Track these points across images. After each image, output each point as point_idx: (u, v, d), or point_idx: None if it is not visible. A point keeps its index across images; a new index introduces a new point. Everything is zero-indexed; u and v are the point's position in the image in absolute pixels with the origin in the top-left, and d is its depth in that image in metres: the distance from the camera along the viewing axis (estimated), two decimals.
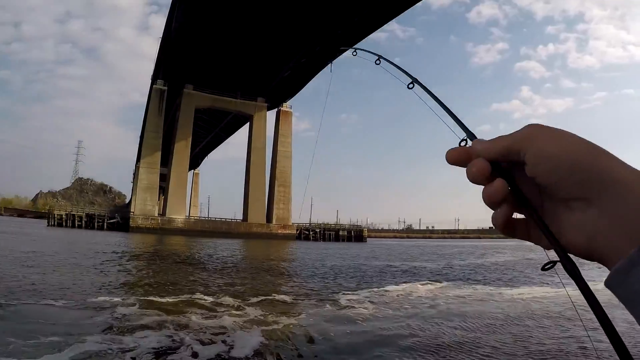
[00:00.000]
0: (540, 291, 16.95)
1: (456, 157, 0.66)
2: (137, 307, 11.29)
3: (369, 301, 14.01)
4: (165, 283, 16.08)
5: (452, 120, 0.68)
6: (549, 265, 0.56)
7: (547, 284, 18.78)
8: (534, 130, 0.59)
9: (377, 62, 1.65)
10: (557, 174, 0.56)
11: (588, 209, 0.54)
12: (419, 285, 18.22)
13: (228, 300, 12.84)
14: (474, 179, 0.64)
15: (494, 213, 0.65)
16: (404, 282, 19.08)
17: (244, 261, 30.14)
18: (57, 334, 8.22)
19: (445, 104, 0.81)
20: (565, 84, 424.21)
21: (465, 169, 0.62)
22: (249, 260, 31.00)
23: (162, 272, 19.75)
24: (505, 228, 0.66)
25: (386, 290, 16.58)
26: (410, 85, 1.19)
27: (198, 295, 13.30)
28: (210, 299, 12.92)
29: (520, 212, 0.67)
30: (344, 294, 15.31)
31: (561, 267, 0.54)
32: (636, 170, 0.52)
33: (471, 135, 0.72)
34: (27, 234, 46.10)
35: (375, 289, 16.77)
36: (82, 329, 8.75)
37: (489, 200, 0.63)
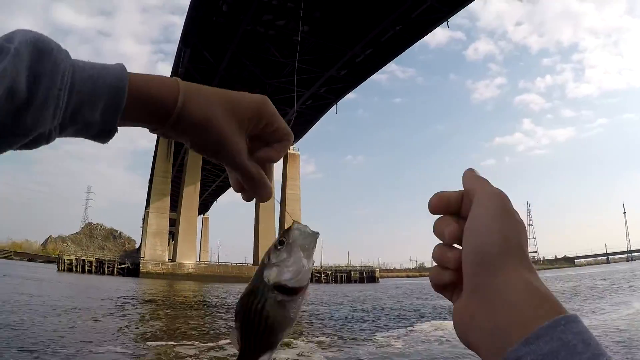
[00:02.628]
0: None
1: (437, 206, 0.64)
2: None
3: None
4: (193, 329, 15.96)
5: None
6: None
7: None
8: (490, 195, 0.58)
9: None
10: (467, 244, 0.56)
11: (474, 293, 0.54)
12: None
13: None
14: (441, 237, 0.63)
15: (437, 269, 0.63)
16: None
17: None
18: None
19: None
20: (565, 114, 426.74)
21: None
22: None
23: (185, 317, 19.56)
24: (440, 287, 0.64)
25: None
26: None
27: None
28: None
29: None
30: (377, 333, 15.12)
31: None
32: (526, 272, 0.53)
33: None
34: (39, 279, 45.85)
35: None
36: None
37: (443, 264, 0.62)
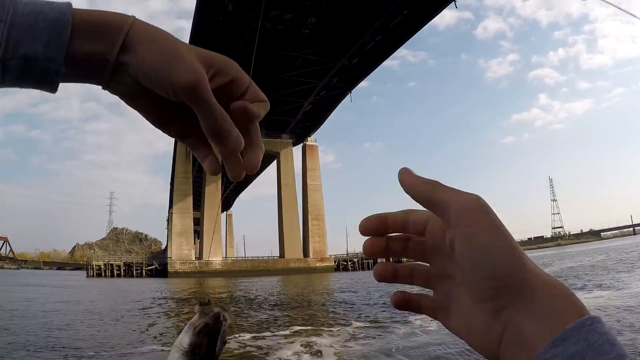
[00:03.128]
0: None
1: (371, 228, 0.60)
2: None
3: None
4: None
5: None
6: None
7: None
8: (473, 213, 0.51)
9: None
10: (477, 272, 0.50)
11: (497, 315, 0.50)
12: None
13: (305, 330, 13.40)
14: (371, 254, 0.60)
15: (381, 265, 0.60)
16: None
17: (304, 296, 30.10)
18: None
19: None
20: (581, 86, 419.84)
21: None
22: (308, 295, 30.92)
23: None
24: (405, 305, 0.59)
25: None
26: None
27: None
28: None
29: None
30: None
31: None
32: (543, 275, 0.50)
33: None
34: (72, 286, 46.80)
35: None
36: None
37: (380, 279, 0.59)
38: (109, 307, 25.01)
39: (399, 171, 0.57)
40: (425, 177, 0.56)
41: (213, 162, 0.67)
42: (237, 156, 0.65)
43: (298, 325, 14.85)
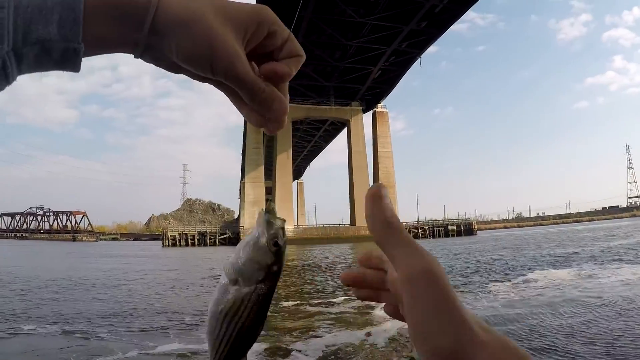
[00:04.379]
0: None
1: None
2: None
3: None
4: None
5: None
6: None
7: None
8: (418, 284, 0.47)
9: None
10: (418, 344, 0.46)
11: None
12: None
13: None
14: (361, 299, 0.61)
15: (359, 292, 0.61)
16: None
17: None
18: None
19: None
20: None
21: None
22: None
23: (300, 278, 20.89)
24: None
25: None
26: None
27: None
28: None
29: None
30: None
31: None
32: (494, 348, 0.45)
33: None
34: (152, 257, 49.31)
35: None
36: None
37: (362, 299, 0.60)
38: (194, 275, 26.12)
39: (369, 191, 0.53)
40: (391, 209, 0.52)
41: (252, 114, 0.65)
42: (279, 121, 0.64)
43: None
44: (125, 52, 0.59)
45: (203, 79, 0.63)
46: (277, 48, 0.64)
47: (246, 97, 0.61)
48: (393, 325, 9.74)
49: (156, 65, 0.62)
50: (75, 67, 0.55)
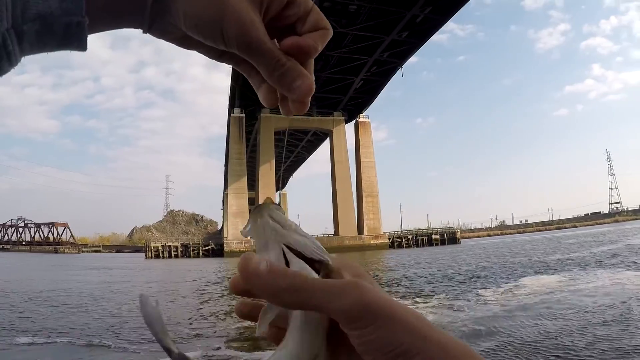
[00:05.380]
0: None
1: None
2: None
3: None
4: None
5: None
6: None
7: None
8: (363, 318, 0.43)
9: None
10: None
11: None
12: None
13: None
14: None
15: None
16: None
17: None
18: None
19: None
20: (636, 55, 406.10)
21: None
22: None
23: None
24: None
25: None
26: None
27: None
28: None
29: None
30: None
31: None
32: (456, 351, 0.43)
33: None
34: (136, 268, 48.62)
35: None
36: None
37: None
38: (182, 286, 25.94)
39: (240, 262, 0.46)
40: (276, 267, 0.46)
41: (268, 93, 0.60)
42: (303, 102, 0.58)
43: None
44: (131, 27, 0.55)
45: (218, 56, 0.59)
46: (299, 19, 0.58)
47: (264, 71, 0.55)
48: None
49: (165, 39, 0.57)
50: (80, 44, 0.51)
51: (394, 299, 0.44)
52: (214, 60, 0.60)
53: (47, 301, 18.65)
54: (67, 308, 16.78)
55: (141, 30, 0.55)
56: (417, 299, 15.87)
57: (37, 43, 0.48)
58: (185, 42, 0.57)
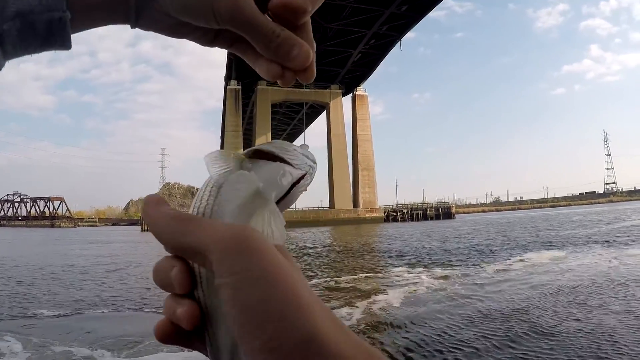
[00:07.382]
0: None
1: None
2: None
3: None
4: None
5: None
6: None
7: None
8: (237, 256, 0.38)
9: None
10: (248, 340, 0.36)
11: None
12: None
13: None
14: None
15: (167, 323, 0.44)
16: None
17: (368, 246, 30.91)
18: None
19: None
20: (635, 37, 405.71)
21: None
22: (372, 245, 31.70)
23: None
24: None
25: None
26: None
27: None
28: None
29: None
30: None
31: None
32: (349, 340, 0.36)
33: None
34: (136, 241, 49.21)
35: None
36: None
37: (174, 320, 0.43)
38: None
39: (145, 201, 0.46)
40: (180, 211, 0.44)
41: (268, 64, 0.54)
42: (305, 70, 0.54)
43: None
44: (118, 22, 0.52)
45: (211, 41, 0.56)
46: None
47: (260, 46, 0.52)
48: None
49: (155, 30, 0.54)
50: (64, 42, 0.48)
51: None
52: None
53: (66, 274, 19.55)
54: (87, 283, 17.22)
55: (129, 26, 0.52)
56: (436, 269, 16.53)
57: (20, 43, 0.46)
58: (176, 30, 0.54)
